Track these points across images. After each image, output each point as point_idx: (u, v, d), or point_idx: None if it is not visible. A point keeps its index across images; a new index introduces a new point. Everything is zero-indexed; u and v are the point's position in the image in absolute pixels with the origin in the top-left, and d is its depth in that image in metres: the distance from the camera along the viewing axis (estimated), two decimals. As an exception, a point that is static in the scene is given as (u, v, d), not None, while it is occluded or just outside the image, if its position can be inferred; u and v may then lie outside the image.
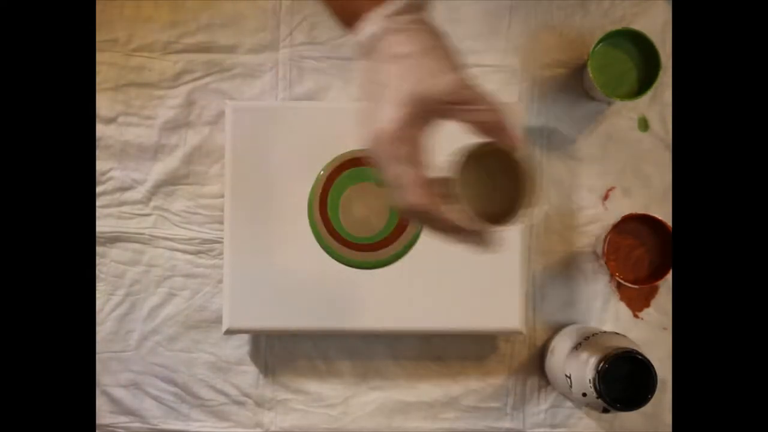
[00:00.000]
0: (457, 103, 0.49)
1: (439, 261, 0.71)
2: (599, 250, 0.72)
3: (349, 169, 0.72)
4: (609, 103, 0.76)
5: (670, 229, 0.67)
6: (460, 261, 0.71)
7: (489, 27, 0.77)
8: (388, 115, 0.48)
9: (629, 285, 0.71)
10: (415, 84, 0.48)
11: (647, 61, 0.73)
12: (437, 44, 0.50)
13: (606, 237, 0.71)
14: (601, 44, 0.73)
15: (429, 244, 0.71)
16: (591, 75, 0.72)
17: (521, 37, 0.77)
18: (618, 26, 0.74)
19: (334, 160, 0.72)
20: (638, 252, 0.64)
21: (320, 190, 0.72)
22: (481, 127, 0.49)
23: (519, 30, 0.77)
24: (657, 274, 0.67)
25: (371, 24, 0.50)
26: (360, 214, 0.72)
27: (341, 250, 0.72)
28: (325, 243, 0.72)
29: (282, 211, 0.72)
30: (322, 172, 0.72)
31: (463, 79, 0.49)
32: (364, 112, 0.50)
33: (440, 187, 0.49)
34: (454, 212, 0.49)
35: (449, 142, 0.50)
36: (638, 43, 0.73)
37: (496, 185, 0.51)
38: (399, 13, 0.49)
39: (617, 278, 0.71)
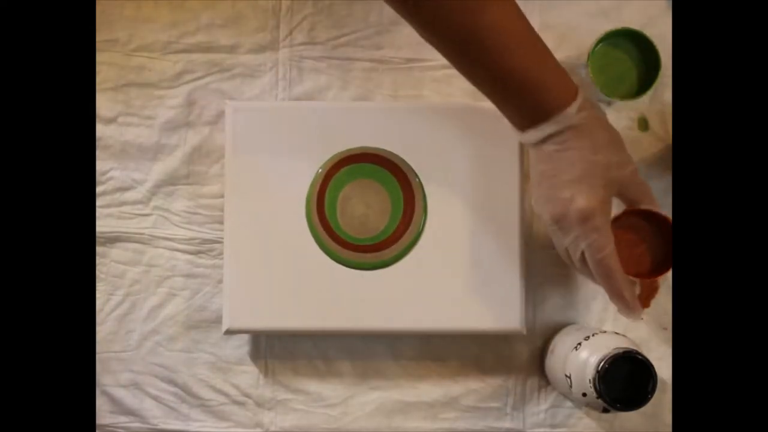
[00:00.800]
0: (631, 187, 0.62)
1: (440, 261, 0.71)
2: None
3: (345, 166, 0.72)
4: (609, 103, 0.76)
5: (669, 222, 0.67)
6: (461, 261, 0.71)
7: (489, 27, 0.77)
8: (591, 194, 0.59)
9: (630, 278, 0.69)
10: (613, 168, 0.60)
11: (647, 61, 0.73)
12: (619, 136, 0.62)
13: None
14: (600, 44, 0.73)
15: (429, 244, 0.71)
16: (591, 75, 0.72)
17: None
18: (618, 26, 0.74)
19: (330, 159, 0.72)
20: (640, 249, 0.64)
21: (317, 191, 0.72)
22: (642, 203, 0.63)
23: None
24: (658, 270, 0.67)
25: (571, 112, 0.59)
26: (359, 212, 0.72)
27: (341, 251, 0.72)
28: (324, 245, 0.72)
29: (282, 211, 0.72)
30: (320, 170, 0.72)
31: (636, 168, 0.62)
32: (558, 190, 0.60)
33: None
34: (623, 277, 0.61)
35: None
36: (638, 43, 0.73)
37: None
38: (581, 109, 0.59)
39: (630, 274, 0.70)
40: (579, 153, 0.59)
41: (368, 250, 0.72)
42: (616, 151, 0.61)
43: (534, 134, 0.60)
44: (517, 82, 0.59)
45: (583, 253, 0.61)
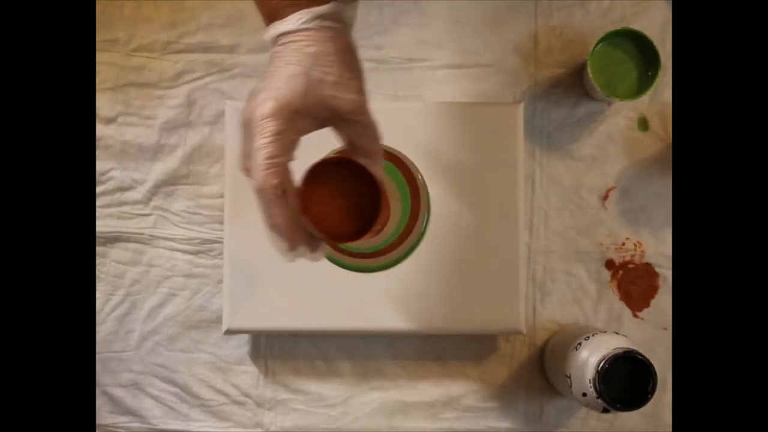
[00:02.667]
0: (354, 122, 0.54)
1: (440, 261, 0.71)
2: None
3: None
4: (609, 103, 0.76)
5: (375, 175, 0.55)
6: (461, 261, 0.71)
7: (489, 27, 0.77)
8: (284, 99, 0.51)
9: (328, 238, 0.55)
10: (316, 85, 0.52)
11: (647, 61, 0.73)
12: (351, 58, 0.54)
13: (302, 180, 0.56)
14: (600, 44, 0.73)
15: (430, 245, 0.71)
16: (591, 75, 0.72)
17: (521, 37, 0.77)
18: (618, 26, 0.74)
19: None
20: (340, 206, 0.54)
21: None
22: (359, 150, 0.55)
23: (519, 30, 0.77)
24: (354, 235, 0.54)
25: (289, 22, 0.53)
26: None
27: (341, 257, 0.71)
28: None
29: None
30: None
31: (366, 102, 0.54)
32: (253, 92, 0.53)
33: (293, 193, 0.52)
34: (297, 219, 0.52)
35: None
36: (638, 43, 0.73)
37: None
38: (321, 17, 0.53)
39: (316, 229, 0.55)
40: (295, 57, 0.53)
41: (370, 255, 0.71)
42: (344, 74, 0.53)
43: (270, 31, 0.54)
44: None
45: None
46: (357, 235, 0.54)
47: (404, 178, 0.71)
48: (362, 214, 0.54)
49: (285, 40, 0.54)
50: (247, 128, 0.53)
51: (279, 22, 0.54)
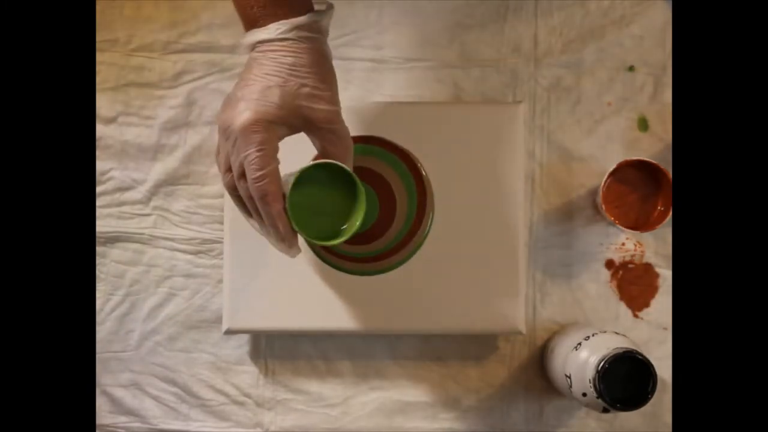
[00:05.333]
0: (327, 130, 0.57)
1: (440, 262, 0.71)
2: (598, 199, 0.72)
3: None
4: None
5: (668, 175, 0.68)
6: (461, 262, 0.71)
7: (489, 27, 0.77)
8: (263, 110, 0.55)
9: (630, 230, 0.70)
10: (292, 96, 0.56)
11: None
12: (326, 68, 0.57)
13: (605, 182, 0.71)
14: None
15: (431, 246, 0.71)
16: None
17: (521, 37, 0.77)
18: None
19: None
20: (632, 198, 0.67)
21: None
22: (331, 156, 0.58)
23: (519, 30, 0.77)
24: (656, 221, 0.69)
25: (267, 31, 0.55)
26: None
27: (341, 263, 0.71)
28: (324, 257, 0.71)
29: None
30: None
31: (339, 113, 0.58)
32: (231, 99, 0.56)
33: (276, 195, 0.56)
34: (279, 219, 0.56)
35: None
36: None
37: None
38: (298, 28, 0.56)
39: (618, 224, 0.70)
40: (272, 68, 0.56)
41: (369, 260, 0.71)
42: (318, 86, 0.57)
43: (248, 37, 0.57)
44: None
45: (243, 175, 0.56)
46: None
47: (413, 179, 0.71)
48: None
49: (263, 48, 0.56)
50: (226, 135, 0.56)
51: (258, 30, 0.56)
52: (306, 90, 0.56)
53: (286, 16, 0.56)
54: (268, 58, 0.56)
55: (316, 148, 0.59)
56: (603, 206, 0.71)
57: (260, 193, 0.55)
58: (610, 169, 0.69)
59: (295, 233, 0.57)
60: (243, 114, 0.55)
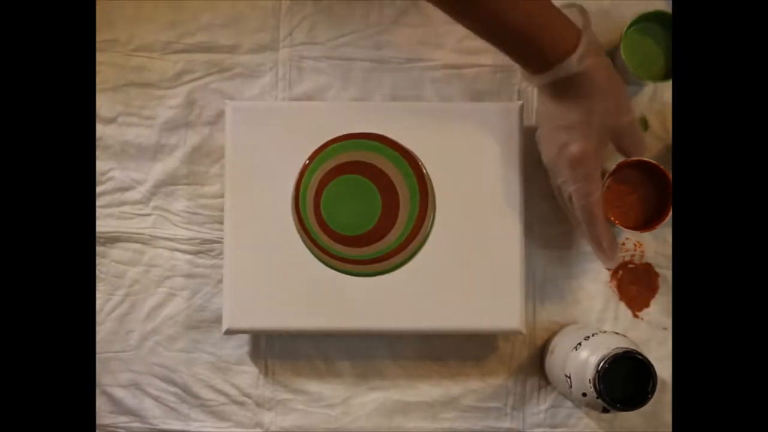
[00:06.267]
0: (626, 133, 0.65)
1: (440, 262, 0.71)
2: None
3: (337, 176, 0.71)
4: (641, 86, 0.76)
5: (668, 175, 0.69)
6: (461, 261, 0.71)
7: (489, 27, 0.77)
8: (584, 141, 0.63)
9: (630, 230, 0.70)
10: (610, 117, 0.63)
11: None
12: (621, 83, 0.65)
13: (605, 182, 0.71)
14: (633, 27, 0.72)
15: (432, 247, 0.71)
16: (623, 57, 0.71)
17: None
18: (620, 24, 0.73)
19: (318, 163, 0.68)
20: (633, 200, 0.69)
21: (313, 205, 0.72)
22: (627, 152, 0.67)
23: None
24: (656, 221, 0.70)
25: (570, 62, 0.61)
26: (360, 222, 0.71)
27: (342, 265, 0.71)
28: (324, 260, 0.71)
29: (282, 211, 0.72)
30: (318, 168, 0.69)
31: (634, 115, 0.66)
32: (555, 132, 0.65)
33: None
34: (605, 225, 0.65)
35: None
36: (668, 27, 0.72)
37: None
38: (583, 57, 0.61)
39: (618, 224, 0.70)
40: (577, 100, 0.62)
41: (369, 262, 0.71)
42: (616, 98, 0.64)
43: (539, 79, 0.64)
44: (520, 32, 0.61)
45: (570, 196, 0.65)
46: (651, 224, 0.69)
47: (416, 180, 0.71)
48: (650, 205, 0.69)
49: (559, 86, 0.63)
50: (558, 169, 0.66)
51: (564, 63, 0.61)
52: (611, 108, 0.63)
53: (558, 61, 0.62)
54: (570, 95, 0.63)
55: (616, 149, 0.67)
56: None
57: (586, 219, 0.65)
58: (611, 170, 0.69)
59: (612, 244, 0.66)
60: (569, 149, 0.63)
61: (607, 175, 0.70)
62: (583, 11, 0.65)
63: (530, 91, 0.77)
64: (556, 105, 0.64)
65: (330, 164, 0.71)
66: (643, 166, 0.68)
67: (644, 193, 0.70)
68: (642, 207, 0.70)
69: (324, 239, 0.71)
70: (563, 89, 0.63)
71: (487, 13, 0.61)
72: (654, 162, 0.68)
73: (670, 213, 0.68)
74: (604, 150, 0.65)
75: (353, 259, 0.70)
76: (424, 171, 0.71)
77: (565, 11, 0.64)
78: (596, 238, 0.65)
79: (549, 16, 0.62)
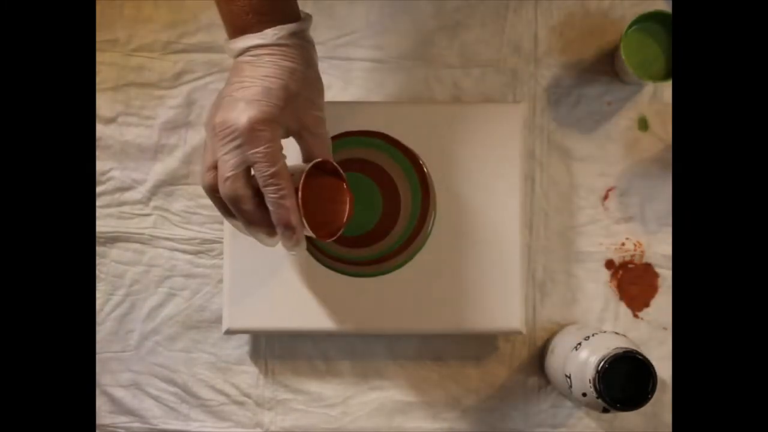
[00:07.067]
0: (315, 134, 0.60)
1: (440, 262, 0.71)
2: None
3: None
4: (641, 86, 0.76)
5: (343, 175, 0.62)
6: (460, 262, 0.71)
7: (489, 27, 0.77)
8: (268, 109, 0.55)
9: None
10: (292, 99, 0.57)
11: None
12: (316, 75, 0.59)
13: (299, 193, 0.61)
14: (633, 27, 0.72)
15: (432, 247, 0.71)
16: (624, 57, 0.71)
17: (521, 37, 0.77)
18: (620, 24, 0.74)
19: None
20: (323, 205, 0.61)
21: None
22: (313, 159, 0.60)
23: (519, 30, 0.77)
24: (334, 230, 0.61)
25: (264, 36, 0.56)
26: (363, 221, 0.71)
27: (343, 267, 0.71)
28: (325, 262, 0.71)
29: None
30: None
31: (325, 118, 0.60)
32: (227, 100, 0.56)
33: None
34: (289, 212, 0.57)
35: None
36: (668, 27, 0.72)
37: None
38: (294, 35, 0.57)
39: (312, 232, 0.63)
40: (272, 71, 0.56)
41: (371, 263, 0.71)
42: (311, 90, 0.59)
43: (240, 42, 0.57)
44: None
45: (243, 173, 0.56)
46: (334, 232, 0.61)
47: (417, 179, 0.71)
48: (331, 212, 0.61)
49: (259, 52, 0.57)
50: (224, 135, 0.55)
51: (253, 35, 0.56)
52: (304, 94, 0.58)
53: (280, 23, 0.56)
54: (266, 61, 0.56)
55: (301, 150, 0.61)
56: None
57: (274, 189, 0.55)
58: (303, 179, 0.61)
59: (302, 228, 0.58)
60: (246, 113, 0.54)
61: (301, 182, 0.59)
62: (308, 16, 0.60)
63: (531, 91, 0.77)
64: (247, 71, 0.56)
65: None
66: (330, 171, 0.61)
67: (333, 199, 0.62)
68: (328, 213, 0.62)
69: (323, 259, 0.71)
70: (260, 56, 0.56)
71: None
72: (333, 163, 0.61)
73: (345, 217, 0.62)
74: (283, 132, 0.57)
75: (354, 260, 0.71)
76: (426, 170, 0.71)
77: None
78: (285, 217, 0.56)
79: None
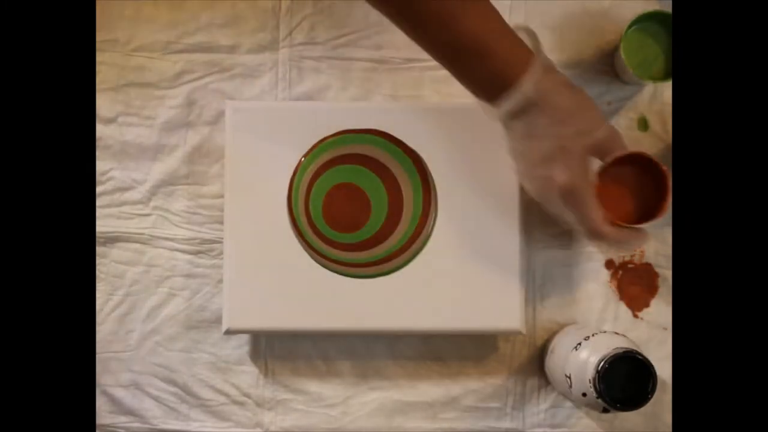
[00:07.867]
0: (612, 146, 0.62)
1: (440, 262, 0.71)
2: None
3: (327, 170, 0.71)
4: (641, 86, 0.76)
5: (661, 166, 0.65)
6: (460, 262, 0.71)
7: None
8: (566, 168, 0.59)
9: (623, 225, 0.66)
10: (585, 136, 0.59)
11: None
12: (585, 97, 0.61)
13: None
14: (633, 27, 0.72)
15: (432, 247, 0.71)
16: (623, 57, 0.71)
17: (521, 37, 0.77)
18: (619, 24, 0.74)
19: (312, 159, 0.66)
20: (626, 197, 0.67)
21: (303, 208, 0.72)
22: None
23: (518, 30, 0.77)
24: (647, 216, 0.66)
25: (526, 84, 0.57)
26: (361, 222, 0.71)
27: (343, 269, 0.71)
28: (325, 264, 0.71)
29: (281, 211, 0.72)
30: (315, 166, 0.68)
31: (606, 122, 0.61)
32: (535, 169, 0.61)
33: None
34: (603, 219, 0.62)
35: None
36: (668, 27, 0.72)
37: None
38: (539, 80, 0.57)
39: (614, 221, 0.67)
40: (545, 129, 0.58)
41: (371, 264, 0.71)
42: (583, 115, 0.60)
43: (499, 109, 0.59)
44: (469, 40, 0.57)
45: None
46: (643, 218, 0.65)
47: (420, 181, 0.71)
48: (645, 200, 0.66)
49: (529, 103, 0.58)
50: (550, 203, 0.63)
51: (519, 86, 0.57)
52: (584, 125, 0.60)
53: (528, 66, 0.57)
54: (543, 113, 0.58)
55: (600, 159, 0.63)
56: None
57: (597, 239, 0.63)
58: (599, 169, 0.67)
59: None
60: (555, 180, 0.60)
61: (596, 174, 0.67)
62: (532, 33, 0.60)
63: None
64: (526, 140, 0.60)
65: (324, 158, 0.71)
66: (634, 160, 0.65)
67: (636, 186, 0.67)
68: (635, 201, 0.67)
69: (323, 242, 0.71)
70: (527, 120, 0.58)
71: (431, 14, 0.56)
72: (645, 153, 0.65)
73: (667, 206, 0.65)
74: (590, 167, 0.61)
75: (354, 262, 0.71)
76: (428, 170, 0.71)
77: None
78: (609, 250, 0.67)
79: (501, 29, 0.58)
